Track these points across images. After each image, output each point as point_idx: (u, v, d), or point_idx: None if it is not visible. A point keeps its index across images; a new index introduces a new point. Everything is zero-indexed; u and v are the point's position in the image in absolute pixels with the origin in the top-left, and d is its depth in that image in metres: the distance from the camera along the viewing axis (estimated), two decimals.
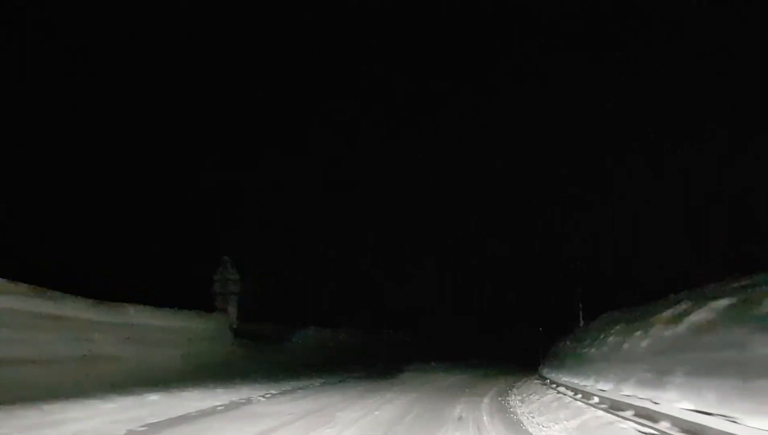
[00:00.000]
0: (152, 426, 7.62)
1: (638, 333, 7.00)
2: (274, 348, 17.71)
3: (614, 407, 6.63)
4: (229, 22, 23.80)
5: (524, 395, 12.63)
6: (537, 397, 11.39)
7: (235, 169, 23.36)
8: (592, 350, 9.22)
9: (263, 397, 11.55)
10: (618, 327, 8.49)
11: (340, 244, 30.16)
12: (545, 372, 14.56)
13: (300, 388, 13.93)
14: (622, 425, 5.91)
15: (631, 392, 6.36)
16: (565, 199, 23.84)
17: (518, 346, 29.08)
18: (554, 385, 11.42)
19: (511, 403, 11.76)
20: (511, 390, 14.52)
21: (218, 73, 23.11)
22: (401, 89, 33.57)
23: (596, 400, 7.50)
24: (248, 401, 10.78)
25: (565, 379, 10.46)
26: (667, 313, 6.39)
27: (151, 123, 18.81)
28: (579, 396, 8.51)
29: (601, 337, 9.09)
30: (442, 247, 39.34)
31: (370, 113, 32.96)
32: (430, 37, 30.36)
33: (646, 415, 5.44)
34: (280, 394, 12.38)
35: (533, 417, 9.02)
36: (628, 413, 6.06)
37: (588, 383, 8.38)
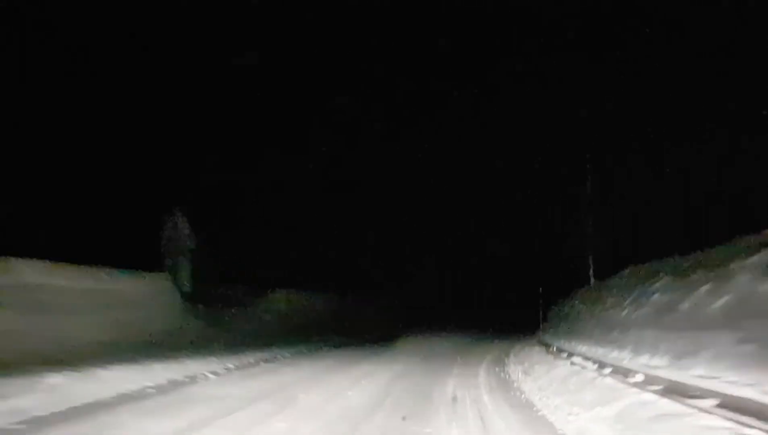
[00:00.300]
0: (34, 422, 5.53)
1: (706, 288, 5.04)
2: (239, 314, 15.62)
3: (676, 391, 4.70)
4: (228, 22, 22.33)
5: (526, 365, 10.75)
6: (544, 368, 9.49)
7: (235, 169, 22.26)
8: (624, 312, 7.26)
9: (214, 374, 9.48)
10: (663, 281, 6.52)
11: (340, 244, 29.44)
12: (548, 338, 12.72)
13: (265, 361, 11.90)
14: (703, 419, 3.96)
15: (705, 372, 4.42)
16: (565, 199, 22.92)
17: (511, 310, 28.03)
18: (565, 355, 9.52)
19: (513, 375, 9.87)
20: (508, 358, 12.69)
21: (218, 73, 21.68)
22: (401, 89, 32.65)
23: (640, 378, 5.57)
24: (192, 380, 8.70)
25: (581, 347, 8.56)
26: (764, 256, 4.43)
27: (150, 122, 17.90)
28: (608, 371, 6.59)
29: (635, 295, 7.15)
30: (442, 247, 39.39)
31: (370, 113, 31.73)
32: (430, 36, 29.65)
33: (754, 410, 3.50)
34: (237, 369, 10.33)
35: (547, 397, 7.09)
36: (708, 403, 4.12)
37: (622, 355, 6.45)
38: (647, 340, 5.88)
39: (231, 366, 10.53)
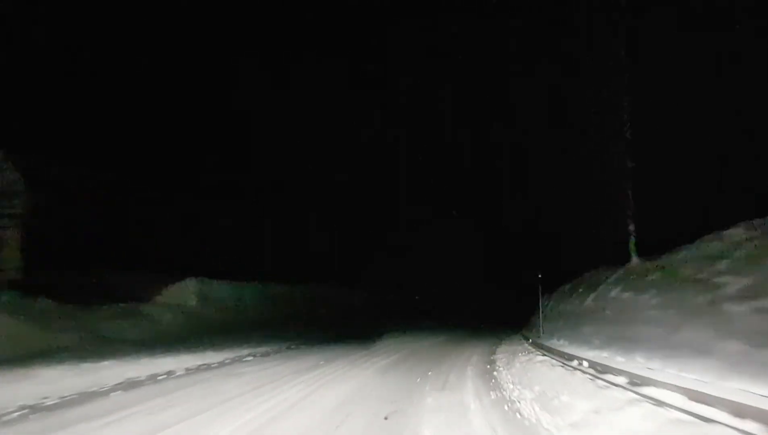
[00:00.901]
0: None
1: None
2: (114, 313, 10.99)
3: None
4: (228, 23, 22.39)
5: (537, 390, 6.67)
6: (585, 405, 5.48)
7: (235, 169, 21.66)
8: None
9: None
10: None
11: (290, 222, 27.10)
12: (561, 345, 8.77)
13: (133, 385, 7.47)
14: None
15: None
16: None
17: (503, 299, 25.25)
18: (622, 380, 5.56)
19: (525, 410, 5.79)
20: (498, 372, 8.67)
21: (217, 74, 21.68)
22: (400, 89, 33.58)
23: None
24: None
25: (673, 372, 4.64)
26: None
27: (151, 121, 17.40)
28: None
29: None
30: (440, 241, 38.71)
31: (370, 115, 32.31)
32: (430, 36, 30.46)
33: None
34: (48, 409, 5.93)
35: None
36: None
37: None
38: None
39: (51, 401, 6.17)
